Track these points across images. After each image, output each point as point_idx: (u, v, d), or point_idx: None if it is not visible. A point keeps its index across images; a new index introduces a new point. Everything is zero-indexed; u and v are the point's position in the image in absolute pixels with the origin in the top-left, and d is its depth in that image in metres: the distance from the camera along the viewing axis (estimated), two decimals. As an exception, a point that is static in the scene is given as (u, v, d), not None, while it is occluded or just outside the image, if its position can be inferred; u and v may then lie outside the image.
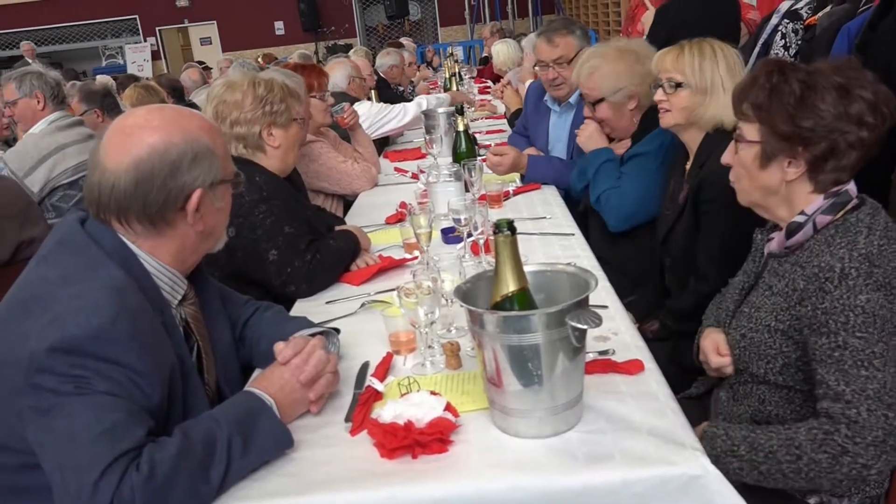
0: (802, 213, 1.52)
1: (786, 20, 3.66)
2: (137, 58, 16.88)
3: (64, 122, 3.65)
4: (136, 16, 16.98)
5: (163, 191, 1.36)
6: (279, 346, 1.47)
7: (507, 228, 1.32)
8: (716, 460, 1.43)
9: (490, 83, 7.29)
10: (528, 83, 4.01)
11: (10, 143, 4.37)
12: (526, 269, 1.37)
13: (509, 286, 1.33)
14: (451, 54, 7.03)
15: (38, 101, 3.64)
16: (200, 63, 10.11)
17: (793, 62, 1.58)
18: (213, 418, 1.30)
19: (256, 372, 1.62)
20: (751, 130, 1.54)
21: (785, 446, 1.41)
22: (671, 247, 2.30)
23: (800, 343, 1.48)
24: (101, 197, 1.37)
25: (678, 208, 2.24)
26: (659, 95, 2.24)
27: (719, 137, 2.09)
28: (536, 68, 3.48)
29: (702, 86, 2.15)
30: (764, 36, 3.73)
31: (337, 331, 1.70)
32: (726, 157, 1.64)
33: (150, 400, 1.25)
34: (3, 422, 1.26)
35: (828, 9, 3.49)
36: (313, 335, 1.58)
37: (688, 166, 2.27)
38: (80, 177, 3.48)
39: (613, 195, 2.62)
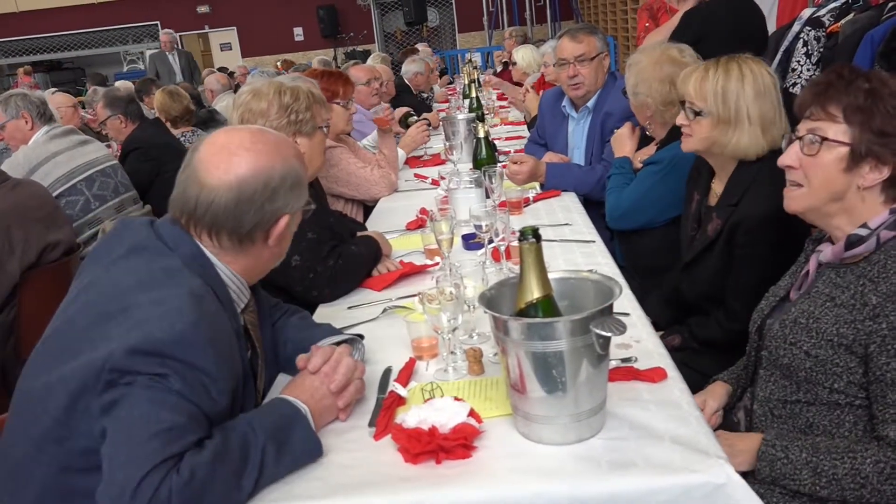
0: (865, 225, 1.47)
1: (808, 27, 3.63)
2: (158, 63, 17.04)
3: (56, 130, 3.67)
4: (158, 22, 17.14)
5: (259, 212, 1.41)
6: (301, 362, 1.49)
7: (532, 236, 1.33)
8: (773, 481, 1.46)
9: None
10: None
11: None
12: (550, 276, 1.37)
13: (534, 293, 1.33)
14: (470, 61, 7.02)
15: (26, 122, 3.68)
16: (220, 70, 10.22)
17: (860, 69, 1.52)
18: (249, 424, 1.31)
19: (281, 377, 1.64)
20: (836, 131, 1.46)
21: (850, 475, 1.38)
22: (694, 273, 2.16)
23: (863, 358, 1.43)
24: (198, 210, 1.40)
25: (706, 240, 2.09)
26: (681, 119, 2.09)
27: (756, 170, 1.99)
28: (554, 68, 3.49)
29: (724, 116, 1.99)
30: (785, 43, 3.69)
31: (361, 337, 1.71)
32: (790, 160, 1.53)
33: (216, 405, 1.27)
34: (68, 425, 1.27)
35: (851, 16, 3.46)
36: (338, 343, 1.59)
37: (714, 185, 2.15)
38: (77, 181, 3.52)
39: (612, 194, 2.78)
